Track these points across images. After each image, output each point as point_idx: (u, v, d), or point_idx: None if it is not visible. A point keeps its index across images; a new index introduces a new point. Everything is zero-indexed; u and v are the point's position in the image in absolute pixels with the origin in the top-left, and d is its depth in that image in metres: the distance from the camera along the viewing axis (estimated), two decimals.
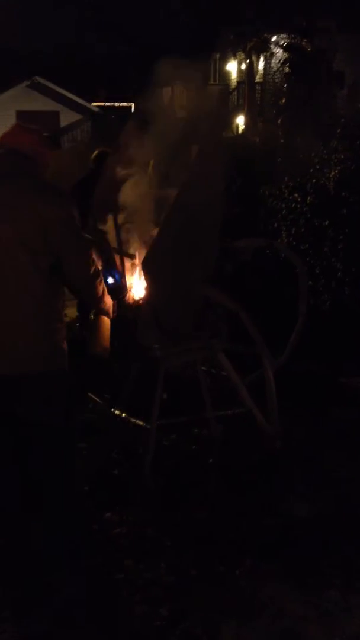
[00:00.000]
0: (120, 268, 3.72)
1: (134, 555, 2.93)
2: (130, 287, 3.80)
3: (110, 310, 3.09)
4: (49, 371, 2.66)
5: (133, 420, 3.76)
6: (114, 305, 3.14)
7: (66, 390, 2.75)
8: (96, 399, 4.14)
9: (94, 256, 2.93)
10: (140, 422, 3.68)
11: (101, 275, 2.91)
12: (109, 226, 3.87)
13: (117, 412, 3.91)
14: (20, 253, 2.55)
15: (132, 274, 3.85)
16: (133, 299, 3.79)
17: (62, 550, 2.82)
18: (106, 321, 3.14)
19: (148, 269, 3.53)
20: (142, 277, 3.71)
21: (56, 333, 2.68)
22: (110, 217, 3.84)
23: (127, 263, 3.84)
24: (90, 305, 3.19)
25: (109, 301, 3.05)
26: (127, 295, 3.74)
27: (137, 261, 3.77)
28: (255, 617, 2.59)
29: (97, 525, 3.15)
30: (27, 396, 2.69)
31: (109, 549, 2.99)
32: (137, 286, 3.84)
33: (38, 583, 2.72)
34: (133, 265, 3.85)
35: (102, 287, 2.91)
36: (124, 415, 3.86)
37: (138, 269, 3.78)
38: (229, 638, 2.49)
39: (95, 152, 6.78)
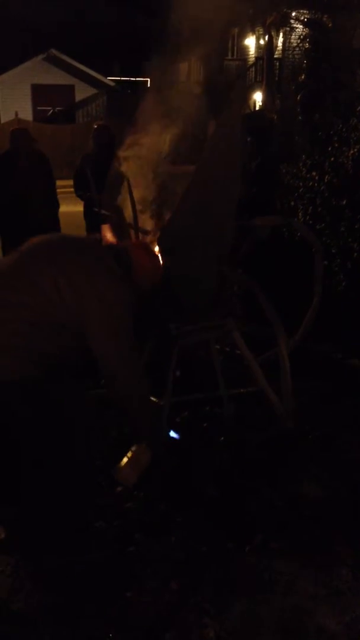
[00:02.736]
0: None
1: (145, 530, 2.95)
2: None
3: (153, 448, 2.87)
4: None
5: None
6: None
7: (31, 403, 2.62)
8: None
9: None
10: (153, 399, 3.68)
11: (146, 392, 2.85)
12: (125, 203, 3.85)
13: None
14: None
15: None
16: None
17: (72, 523, 2.85)
18: (143, 453, 2.86)
19: (164, 246, 3.51)
20: (158, 254, 3.69)
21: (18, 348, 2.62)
22: (126, 194, 3.82)
23: (143, 239, 3.83)
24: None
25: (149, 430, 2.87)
26: None
27: (153, 238, 3.75)
28: (265, 593, 2.61)
29: (109, 500, 3.17)
30: None
31: (120, 523, 3.01)
32: None
33: (51, 555, 2.76)
34: (149, 241, 3.83)
35: (143, 403, 2.82)
36: None
37: (154, 244, 3.76)
38: (239, 613, 2.52)
39: (95, 127, 6.73)
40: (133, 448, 2.90)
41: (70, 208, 6.83)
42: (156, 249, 3.70)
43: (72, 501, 2.82)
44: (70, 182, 6.66)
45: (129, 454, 2.87)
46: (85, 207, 6.58)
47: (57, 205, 6.46)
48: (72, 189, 6.65)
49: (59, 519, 2.79)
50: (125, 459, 2.88)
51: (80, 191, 6.44)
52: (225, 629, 2.45)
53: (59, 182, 6.60)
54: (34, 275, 2.66)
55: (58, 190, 6.54)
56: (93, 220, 5.92)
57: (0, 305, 2.61)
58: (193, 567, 2.74)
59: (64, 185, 6.91)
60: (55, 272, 2.64)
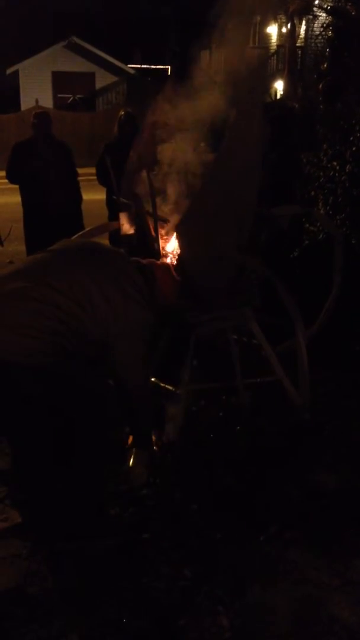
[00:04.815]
0: (154, 232, 3.70)
1: (160, 517, 2.96)
2: (164, 252, 3.78)
3: (150, 442, 3.19)
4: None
5: (163, 385, 3.77)
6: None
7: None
8: None
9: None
10: (170, 387, 3.69)
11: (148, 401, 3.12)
12: (144, 190, 3.84)
13: None
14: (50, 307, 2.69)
15: (166, 239, 3.83)
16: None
17: (88, 507, 2.87)
18: (142, 454, 3.16)
19: (182, 234, 3.50)
20: (176, 242, 3.68)
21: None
22: (145, 181, 3.81)
23: (161, 227, 3.82)
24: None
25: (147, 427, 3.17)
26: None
27: (172, 225, 3.74)
28: (279, 582, 2.62)
29: (125, 487, 3.19)
30: None
31: (136, 509, 3.03)
32: (170, 251, 3.82)
33: (66, 540, 2.79)
34: (167, 229, 3.82)
35: (148, 410, 3.10)
36: (154, 380, 3.87)
37: (172, 233, 3.75)
38: (252, 602, 2.53)
39: (121, 114, 6.73)
40: (134, 450, 3.16)
41: (91, 196, 6.84)
42: (174, 237, 3.70)
43: (89, 483, 2.85)
44: (90, 170, 6.68)
45: (133, 456, 3.12)
46: (107, 195, 6.60)
47: (80, 198, 6.48)
48: (91, 177, 6.66)
49: (75, 500, 2.81)
50: (131, 460, 3.11)
51: (102, 180, 6.46)
52: (238, 617, 2.46)
53: (78, 170, 6.61)
54: (70, 281, 2.76)
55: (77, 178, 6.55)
56: (115, 209, 5.94)
57: (36, 298, 2.69)
58: (207, 555, 2.75)
59: (84, 174, 6.93)
60: (92, 286, 2.78)
